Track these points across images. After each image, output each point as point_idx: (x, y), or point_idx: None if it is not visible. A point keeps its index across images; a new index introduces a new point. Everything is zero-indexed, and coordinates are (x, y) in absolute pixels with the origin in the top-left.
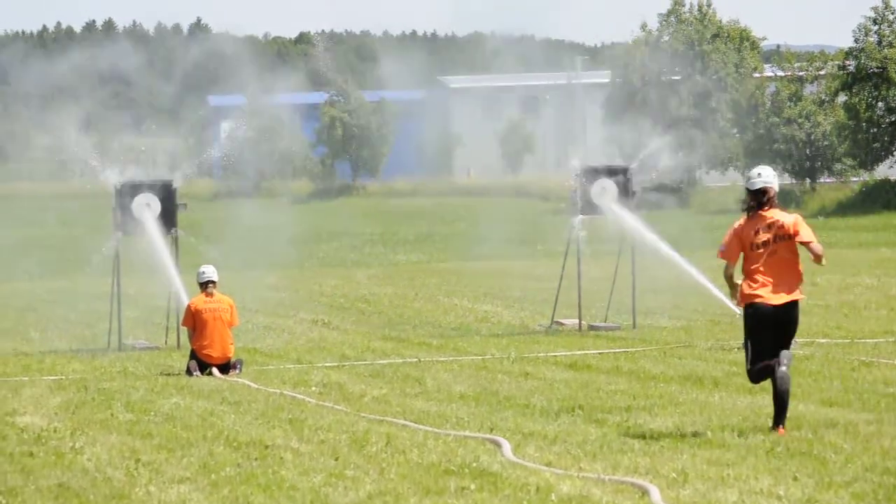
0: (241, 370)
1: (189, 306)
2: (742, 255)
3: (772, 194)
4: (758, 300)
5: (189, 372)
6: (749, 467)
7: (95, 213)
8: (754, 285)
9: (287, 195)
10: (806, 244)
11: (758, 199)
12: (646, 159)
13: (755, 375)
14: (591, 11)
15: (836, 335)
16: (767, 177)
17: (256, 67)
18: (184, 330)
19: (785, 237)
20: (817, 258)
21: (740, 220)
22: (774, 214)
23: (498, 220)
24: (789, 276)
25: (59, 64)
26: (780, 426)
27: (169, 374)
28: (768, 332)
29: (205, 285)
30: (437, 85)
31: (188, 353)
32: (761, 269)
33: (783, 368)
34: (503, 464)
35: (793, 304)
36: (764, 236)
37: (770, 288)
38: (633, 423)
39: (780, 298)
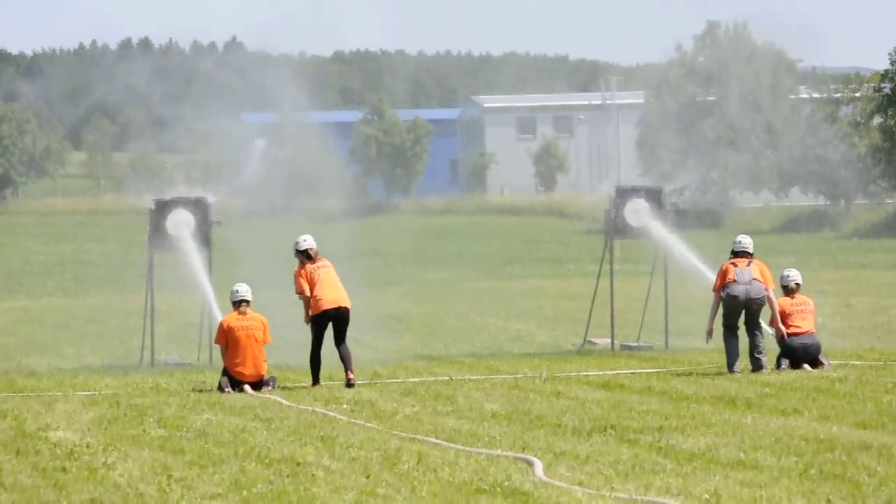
0: (273, 387)
1: (222, 324)
2: None
3: None
4: None
5: (221, 388)
6: (782, 489)
7: (129, 230)
8: None
9: (320, 213)
10: None
11: None
12: (679, 188)
13: None
14: (625, 32)
15: (869, 357)
16: None
17: (291, 86)
18: (216, 346)
19: None
20: None
21: None
22: None
23: (531, 239)
24: None
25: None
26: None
27: (201, 391)
28: None
29: (238, 304)
30: (471, 104)
31: (220, 369)
32: None
33: None
34: (535, 483)
35: None
36: None
37: None
38: (666, 444)
39: None
